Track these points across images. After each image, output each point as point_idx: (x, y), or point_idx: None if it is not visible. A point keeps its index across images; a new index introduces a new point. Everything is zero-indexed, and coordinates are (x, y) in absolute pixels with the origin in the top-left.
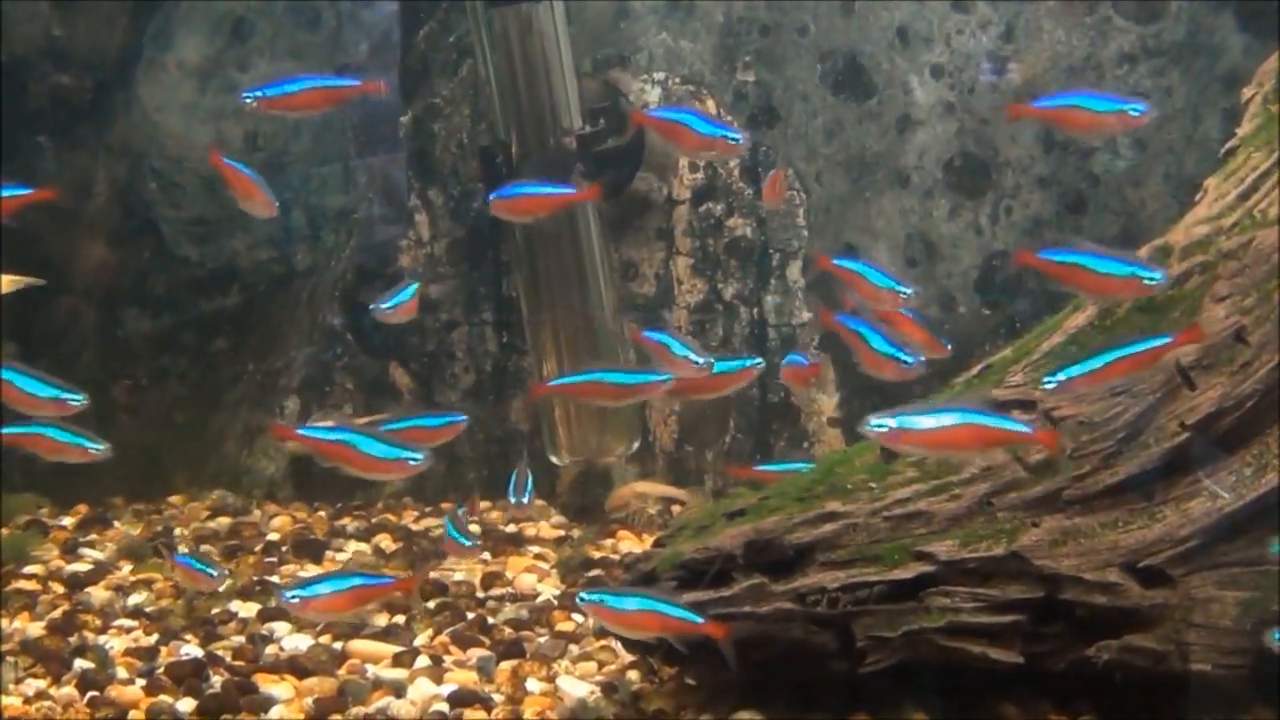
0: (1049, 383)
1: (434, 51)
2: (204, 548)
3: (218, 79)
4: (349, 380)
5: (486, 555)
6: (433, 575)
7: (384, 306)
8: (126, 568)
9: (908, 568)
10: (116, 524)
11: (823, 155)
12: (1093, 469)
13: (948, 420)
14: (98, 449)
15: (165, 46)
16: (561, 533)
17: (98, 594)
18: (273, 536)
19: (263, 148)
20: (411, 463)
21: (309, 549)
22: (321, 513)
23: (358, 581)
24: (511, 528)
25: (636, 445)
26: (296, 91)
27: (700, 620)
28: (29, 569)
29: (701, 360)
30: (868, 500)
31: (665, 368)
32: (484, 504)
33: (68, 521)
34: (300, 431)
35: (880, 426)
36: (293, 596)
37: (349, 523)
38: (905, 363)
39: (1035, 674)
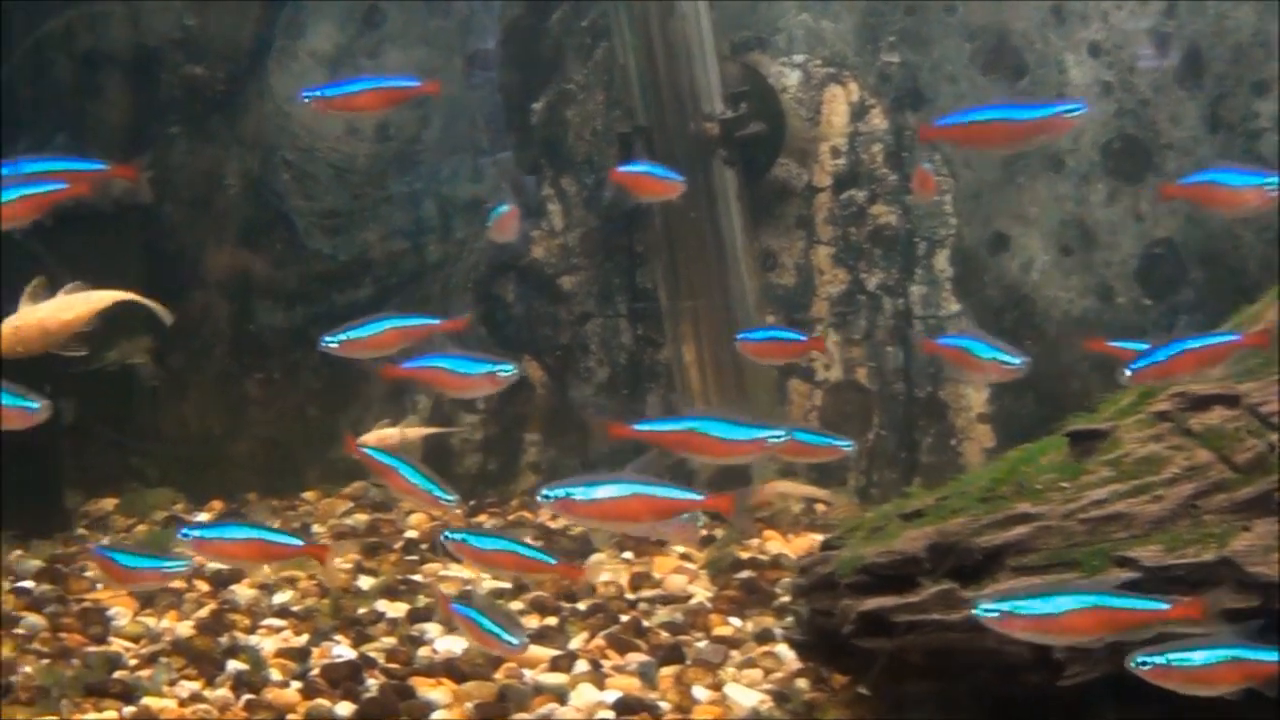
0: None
1: (567, 36)
2: (343, 543)
3: (349, 68)
4: None
5: (629, 554)
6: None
7: (329, 341)
8: (268, 565)
9: (1109, 574)
10: None
11: None
12: None
13: (618, 491)
14: (448, 500)
15: (297, 35)
16: (704, 532)
17: (242, 592)
18: (411, 534)
19: (394, 138)
20: (771, 440)
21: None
22: (457, 510)
23: (258, 535)
24: None
25: None
26: (355, 92)
27: (554, 561)
28: None
29: (1018, 361)
30: (1060, 501)
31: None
32: None
33: (203, 517)
34: (638, 428)
35: (550, 497)
36: (188, 533)
37: (485, 519)
38: None
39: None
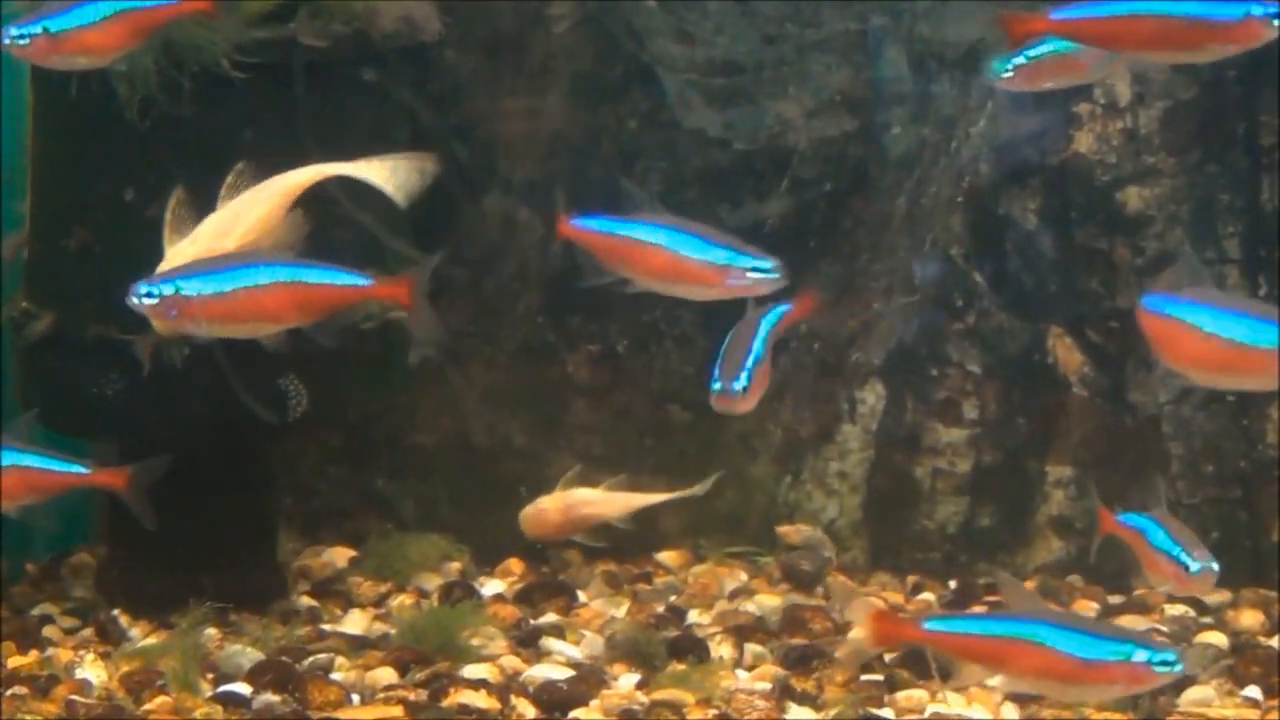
0: None
1: None
2: (752, 648)
3: None
4: (973, 357)
5: (1255, 693)
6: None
7: None
8: (628, 677)
9: None
10: (581, 595)
11: None
12: None
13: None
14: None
15: None
16: None
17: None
18: (861, 632)
19: None
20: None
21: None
22: (927, 594)
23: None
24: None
25: None
26: None
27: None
28: (470, 669)
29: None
30: None
31: None
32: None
33: (499, 586)
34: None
35: (153, 294)
36: None
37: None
38: None
39: None
